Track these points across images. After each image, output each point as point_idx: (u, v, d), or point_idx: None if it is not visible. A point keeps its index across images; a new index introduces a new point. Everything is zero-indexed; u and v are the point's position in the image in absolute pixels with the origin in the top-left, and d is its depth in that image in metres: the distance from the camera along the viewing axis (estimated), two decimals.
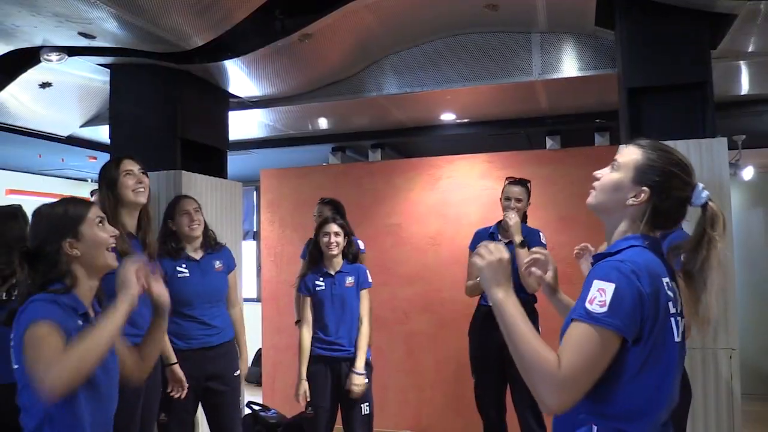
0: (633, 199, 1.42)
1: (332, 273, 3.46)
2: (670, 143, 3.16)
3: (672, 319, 1.34)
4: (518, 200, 3.57)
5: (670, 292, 1.35)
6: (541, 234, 3.63)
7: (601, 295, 1.29)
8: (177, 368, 3.04)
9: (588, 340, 1.28)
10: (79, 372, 1.58)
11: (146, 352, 2.03)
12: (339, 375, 3.39)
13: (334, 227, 3.44)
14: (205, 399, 3.23)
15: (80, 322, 1.75)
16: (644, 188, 1.42)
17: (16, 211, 2.84)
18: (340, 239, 3.44)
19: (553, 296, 1.72)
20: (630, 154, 1.46)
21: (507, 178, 3.71)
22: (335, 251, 3.43)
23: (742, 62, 3.90)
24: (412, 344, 5.36)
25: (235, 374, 3.29)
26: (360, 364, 3.37)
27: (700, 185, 1.40)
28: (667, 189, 1.40)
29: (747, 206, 6.38)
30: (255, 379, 6.66)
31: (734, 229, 3.36)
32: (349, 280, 3.46)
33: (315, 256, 3.52)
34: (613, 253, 1.40)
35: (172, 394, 3.03)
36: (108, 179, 2.72)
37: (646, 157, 1.44)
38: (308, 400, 3.40)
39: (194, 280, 3.16)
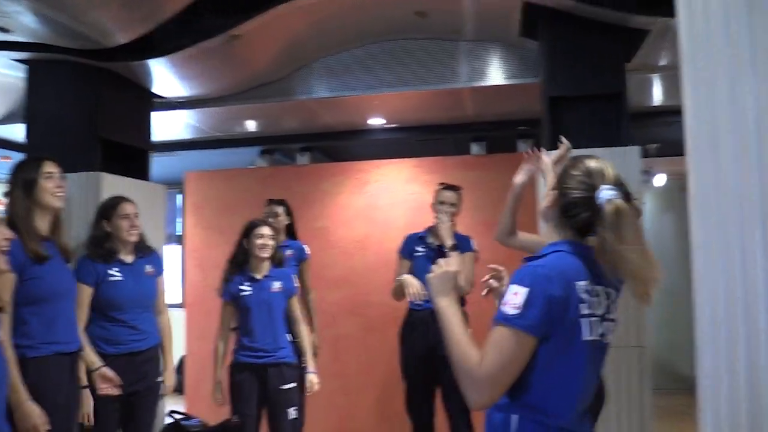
0: (547, 201, 1.58)
1: (258, 278, 3.42)
2: (588, 151, 3.30)
3: (583, 320, 1.43)
4: (452, 205, 3.64)
5: (584, 295, 1.44)
6: (471, 240, 3.71)
7: (514, 298, 1.40)
8: (106, 369, 2.93)
9: (503, 340, 1.40)
10: None
11: None
12: (265, 382, 3.36)
13: (267, 230, 3.41)
14: (126, 403, 3.12)
15: None
16: (555, 191, 1.56)
17: None
18: (272, 242, 3.41)
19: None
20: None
21: (440, 184, 3.77)
22: (267, 254, 3.40)
23: (655, 75, 4.13)
24: (339, 348, 5.36)
25: (157, 380, 3.21)
26: (311, 365, 3.55)
27: (605, 187, 1.47)
28: (566, 189, 1.53)
29: (660, 211, 6.74)
30: (177, 387, 6.47)
31: (648, 233, 3.54)
32: (276, 285, 3.43)
33: (239, 260, 3.46)
34: (539, 257, 1.51)
35: (105, 392, 2.91)
36: (25, 180, 2.60)
37: (564, 166, 1.62)
38: (231, 406, 3.36)
39: (127, 284, 3.08)
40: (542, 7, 3.44)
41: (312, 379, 3.52)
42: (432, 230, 3.68)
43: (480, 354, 1.41)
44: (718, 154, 1.38)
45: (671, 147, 5.77)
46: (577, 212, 1.50)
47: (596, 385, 1.56)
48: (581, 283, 1.44)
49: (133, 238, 3.13)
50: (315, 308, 4.26)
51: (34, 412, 2.34)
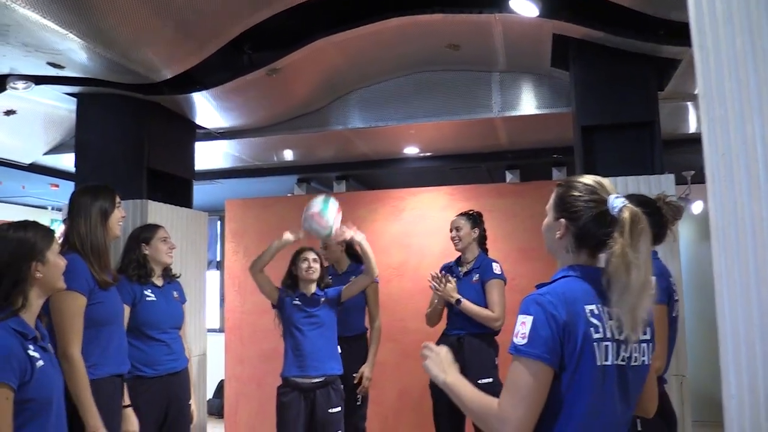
0: (558, 233, 1.54)
1: (308, 295, 3.54)
2: (620, 179, 3.34)
3: (595, 344, 1.40)
4: (457, 229, 3.68)
5: (593, 319, 1.41)
6: (494, 264, 3.66)
7: (522, 328, 1.40)
8: (131, 412, 2.87)
9: (517, 372, 1.38)
10: None
11: None
12: (313, 404, 3.42)
13: (312, 254, 3.57)
14: (161, 427, 3.18)
15: (31, 347, 1.80)
16: (561, 220, 1.54)
17: None
18: (317, 266, 3.54)
19: None
20: (551, 199, 1.61)
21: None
22: (314, 276, 3.52)
23: (689, 103, 4.12)
24: (375, 374, 5.35)
25: (188, 403, 3.29)
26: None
27: (612, 196, 1.49)
28: (575, 213, 1.51)
29: (697, 239, 6.63)
30: (217, 410, 6.58)
31: (684, 262, 3.53)
32: (322, 301, 3.57)
33: (287, 284, 3.61)
34: (548, 283, 1.51)
35: None
36: (102, 209, 2.65)
37: (556, 195, 1.59)
38: (276, 429, 3.43)
39: (161, 305, 3.19)
40: (572, 38, 3.50)
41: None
42: (460, 260, 3.74)
43: (495, 399, 1.39)
44: (734, 186, 1.43)
45: None
46: (594, 231, 1.48)
47: (629, 412, 1.50)
48: (590, 307, 1.42)
49: (171, 260, 3.29)
50: (378, 338, 4.04)
51: None
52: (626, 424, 1.50)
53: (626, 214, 1.43)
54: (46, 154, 5.07)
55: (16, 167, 5.18)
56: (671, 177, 3.35)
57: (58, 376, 1.93)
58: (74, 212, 2.65)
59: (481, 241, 3.76)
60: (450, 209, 5.38)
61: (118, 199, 2.74)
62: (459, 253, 3.76)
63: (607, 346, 1.41)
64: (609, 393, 1.43)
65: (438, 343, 3.83)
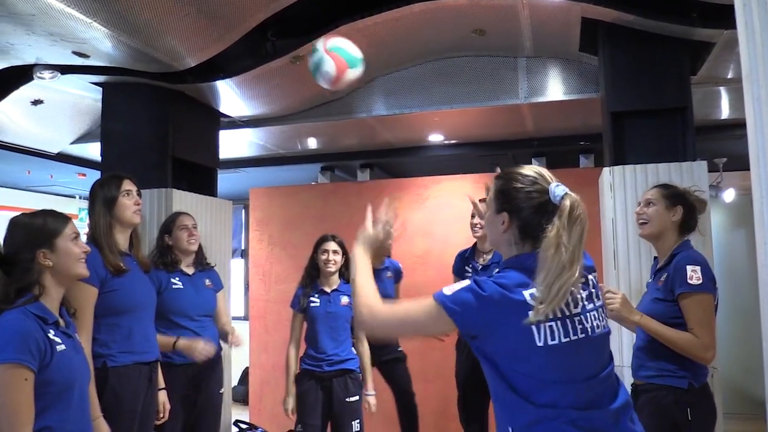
0: (502, 226, 1.52)
1: (328, 291, 3.50)
2: (651, 166, 3.26)
3: (533, 328, 1.39)
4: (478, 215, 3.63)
5: (534, 302, 1.40)
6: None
7: (457, 285, 1.48)
8: (182, 339, 3.03)
9: (422, 306, 1.50)
10: None
11: None
12: (330, 392, 3.41)
13: (333, 245, 3.50)
14: (190, 414, 3.21)
15: (52, 332, 1.81)
16: (503, 213, 1.52)
17: None
18: (338, 257, 3.49)
19: None
20: (490, 192, 1.59)
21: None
22: (333, 269, 3.48)
23: (722, 88, 4.01)
24: None
25: (220, 392, 3.30)
26: (371, 386, 3.56)
27: (553, 184, 1.47)
28: (516, 206, 1.50)
29: (729, 228, 6.49)
30: (242, 397, 6.63)
31: (716, 251, 3.44)
32: (345, 300, 3.50)
33: (311, 273, 3.56)
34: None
35: (202, 357, 3.00)
36: (106, 197, 2.70)
37: (496, 188, 1.56)
38: (296, 416, 3.42)
39: (188, 292, 3.20)
40: (601, 21, 3.42)
41: (371, 401, 3.57)
42: (476, 247, 3.70)
43: (383, 301, 1.54)
44: None
45: (740, 161, 5.58)
46: (537, 221, 1.46)
47: (609, 374, 1.49)
48: (530, 291, 1.41)
49: (193, 248, 3.27)
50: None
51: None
52: (607, 386, 1.48)
53: (567, 202, 1.43)
54: (73, 143, 5.11)
55: (44, 156, 5.25)
56: (704, 164, 3.27)
57: (82, 362, 1.94)
58: (89, 204, 2.74)
59: None
60: (475, 197, 5.33)
61: (128, 186, 2.74)
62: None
63: (550, 326, 1.40)
64: (567, 365, 1.42)
65: None
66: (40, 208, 1.99)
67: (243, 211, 7.95)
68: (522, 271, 1.45)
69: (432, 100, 4.37)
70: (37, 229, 1.89)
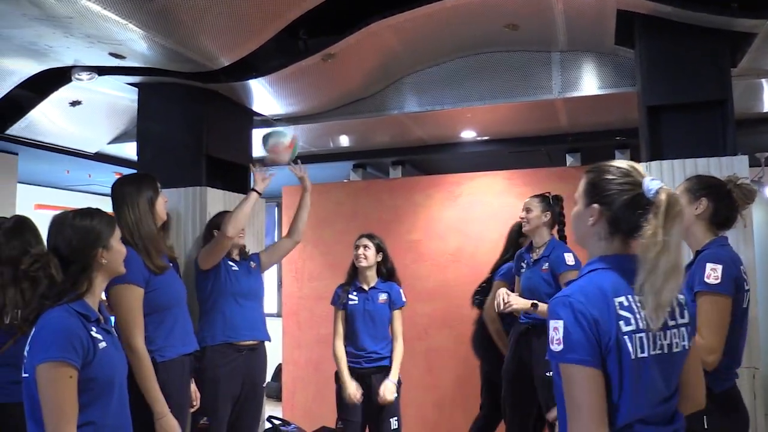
0: (591, 219, 1.49)
1: (366, 288, 3.53)
2: (689, 161, 3.19)
3: (626, 337, 1.36)
4: (527, 210, 3.58)
5: (623, 311, 1.37)
6: (567, 255, 3.43)
7: (556, 333, 1.37)
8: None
9: (566, 379, 1.36)
10: None
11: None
12: (369, 389, 3.44)
13: (363, 240, 3.57)
14: (236, 403, 3.27)
15: (94, 329, 1.85)
16: (594, 206, 1.49)
17: (20, 225, 2.65)
18: (370, 253, 3.52)
19: None
20: (579, 186, 1.56)
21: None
22: (364, 264, 3.50)
23: (764, 80, 3.90)
24: (431, 360, 5.36)
25: (263, 385, 3.36)
26: (395, 375, 3.50)
27: (648, 178, 1.44)
28: (609, 197, 1.47)
29: None
30: (275, 393, 6.69)
31: (758, 249, 3.34)
32: (382, 297, 3.54)
33: (350, 271, 3.66)
34: (574, 280, 1.48)
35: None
36: (150, 198, 2.75)
37: (585, 181, 1.54)
38: (337, 413, 3.47)
39: (243, 274, 3.40)
40: (637, 13, 3.35)
41: (387, 385, 3.47)
42: (532, 245, 3.65)
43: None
44: None
45: None
46: (628, 215, 1.43)
47: (674, 397, 1.45)
48: (619, 299, 1.38)
49: (242, 241, 3.47)
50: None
51: (174, 428, 2.47)
52: (672, 406, 1.46)
53: (663, 196, 1.39)
54: (110, 143, 5.21)
55: (83, 156, 5.35)
56: (745, 159, 3.18)
57: (121, 358, 1.98)
58: (119, 203, 2.72)
59: (555, 226, 3.62)
60: (507, 194, 5.29)
61: (158, 185, 2.84)
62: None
63: (641, 337, 1.37)
64: (648, 384, 1.38)
65: (509, 331, 3.79)
66: (76, 208, 2.03)
67: (276, 208, 8.00)
68: (617, 272, 1.42)
69: (464, 97, 4.33)
70: (96, 230, 1.94)
